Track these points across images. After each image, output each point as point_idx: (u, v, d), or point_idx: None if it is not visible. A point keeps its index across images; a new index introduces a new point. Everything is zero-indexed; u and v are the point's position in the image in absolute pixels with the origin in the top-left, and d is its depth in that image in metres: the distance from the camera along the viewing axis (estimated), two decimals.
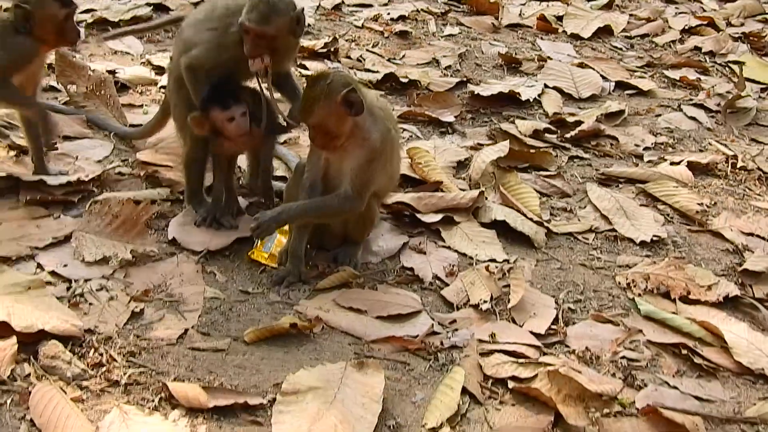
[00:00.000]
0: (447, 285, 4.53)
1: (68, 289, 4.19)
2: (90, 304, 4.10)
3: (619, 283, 4.63)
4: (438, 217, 4.98)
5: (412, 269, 4.63)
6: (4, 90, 4.69)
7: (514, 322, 4.29)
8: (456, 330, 4.21)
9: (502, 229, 4.95)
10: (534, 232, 4.94)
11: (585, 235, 5.02)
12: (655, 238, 5.00)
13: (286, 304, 4.29)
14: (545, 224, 5.04)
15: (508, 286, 4.50)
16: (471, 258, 4.75)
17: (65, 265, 4.34)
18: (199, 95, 4.62)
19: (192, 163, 4.90)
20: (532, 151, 5.68)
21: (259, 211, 4.62)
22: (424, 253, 4.76)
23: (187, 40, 4.76)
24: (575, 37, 7.24)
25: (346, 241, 4.70)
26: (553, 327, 4.25)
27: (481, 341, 4.12)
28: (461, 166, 5.56)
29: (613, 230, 5.07)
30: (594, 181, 5.51)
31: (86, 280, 4.25)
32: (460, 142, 5.81)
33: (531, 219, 5.03)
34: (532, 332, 4.21)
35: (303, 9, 4.63)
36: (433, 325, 4.20)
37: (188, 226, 4.76)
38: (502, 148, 5.54)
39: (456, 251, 4.79)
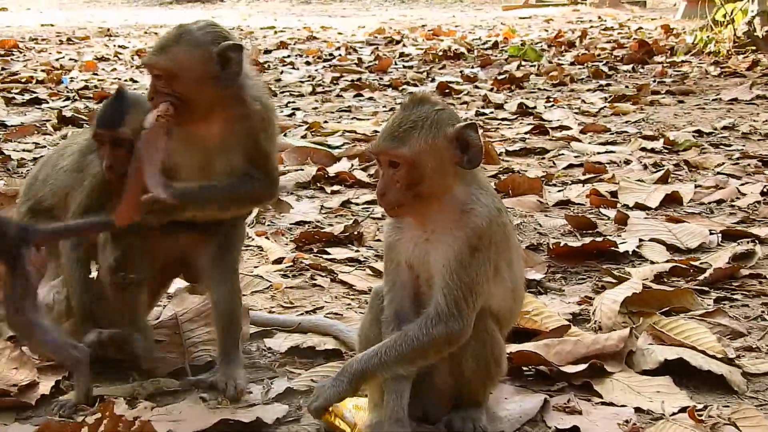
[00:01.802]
0: None
1: None
2: None
3: None
4: (579, 367, 3.44)
5: (575, 429, 3.03)
6: None
7: None
8: None
9: (676, 376, 3.42)
10: (728, 372, 3.42)
11: None
12: None
13: None
14: (736, 363, 3.51)
15: None
16: (651, 412, 3.19)
17: None
18: None
19: None
20: (669, 289, 4.22)
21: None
22: (580, 412, 3.18)
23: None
24: (641, 207, 6.03)
25: (459, 404, 3.11)
26: None
27: None
28: (579, 320, 4.08)
29: None
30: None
31: None
32: (561, 299, 4.35)
33: (714, 357, 3.51)
34: None
35: (238, 46, 3.37)
36: None
37: None
38: (633, 285, 4.11)
39: (625, 406, 3.22)
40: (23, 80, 12.50)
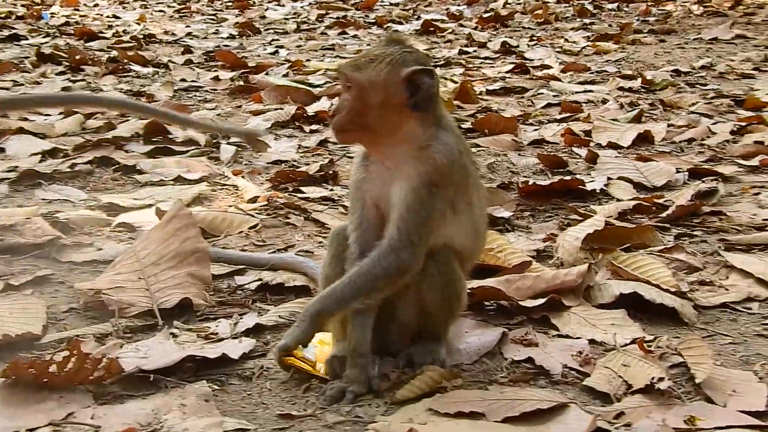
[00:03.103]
0: (587, 375, 3.09)
1: None
2: None
3: None
4: (538, 301, 3.60)
5: (530, 360, 3.20)
6: None
7: (711, 402, 2.86)
8: (629, 424, 2.76)
9: (631, 310, 3.58)
10: (680, 305, 3.58)
11: (746, 305, 3.70)
12: None
13: (357, 423, 2.87)
14: (688, 297, 3.67)
15: (679, 366, 3.11)
16: (604, 344, 3.35)
17: None
18: None
19: None
20: (630, 226, 4.37)
21: None
22: (536, 344, 3.34)
23: None
24: (613, 146, 6.15)
25: (420, 338, 3.25)
26: None
27: (677, 430, 2.72)
28: (542, 257, 4.22)
29: None
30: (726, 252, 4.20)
31: None
32: (527, 237, 4.49)
33: (668, 291, 3.66)
34: (744, 412, 2.83)
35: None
36: (595, 418, 2.74)
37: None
38: (596, 222, 4.26)
39: (580, 338, 3.39)
40: (2, 16, 12.49)
